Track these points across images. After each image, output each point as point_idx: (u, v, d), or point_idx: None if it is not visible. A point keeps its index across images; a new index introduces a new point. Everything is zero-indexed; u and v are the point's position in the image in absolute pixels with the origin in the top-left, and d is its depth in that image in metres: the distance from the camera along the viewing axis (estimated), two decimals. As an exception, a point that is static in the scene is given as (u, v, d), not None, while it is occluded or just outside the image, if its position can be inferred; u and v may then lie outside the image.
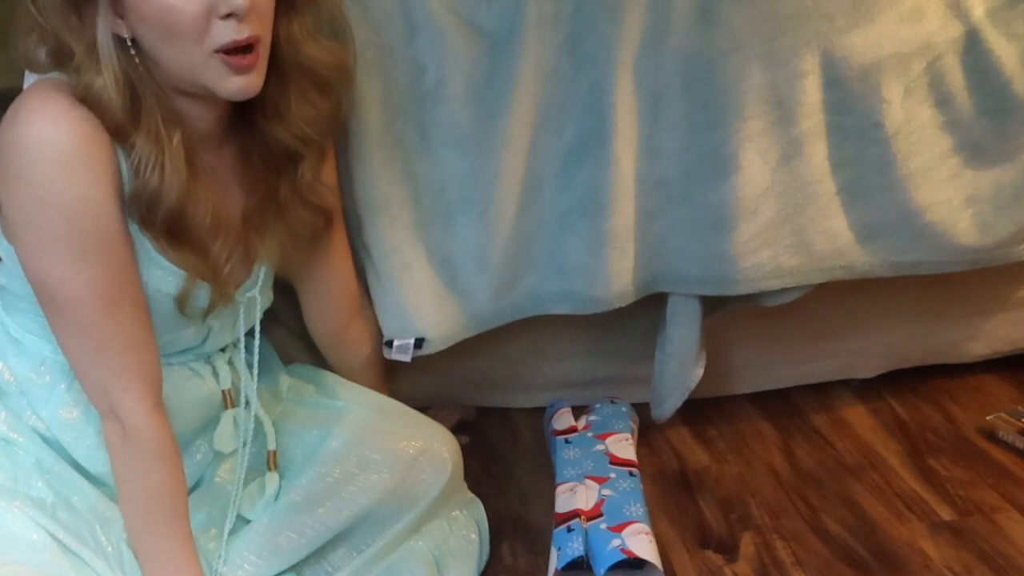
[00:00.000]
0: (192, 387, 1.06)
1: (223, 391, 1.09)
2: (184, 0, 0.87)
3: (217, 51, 0.90)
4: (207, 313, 1.01)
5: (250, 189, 1.06)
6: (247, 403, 1.11)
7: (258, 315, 1.11)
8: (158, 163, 0.91)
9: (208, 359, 1.09)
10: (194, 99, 0.95)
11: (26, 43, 0.93)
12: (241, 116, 1.03)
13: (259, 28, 0.92)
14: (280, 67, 1.00)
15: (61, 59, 0.92)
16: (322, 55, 1.02)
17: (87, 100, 0.89)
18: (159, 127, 0.91)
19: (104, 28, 0.89)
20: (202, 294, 1.00)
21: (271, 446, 1.13)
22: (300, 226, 1.10)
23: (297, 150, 1.04)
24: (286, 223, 1.08)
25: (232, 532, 1.08)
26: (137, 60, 0.91)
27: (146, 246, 0.95)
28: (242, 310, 1.09)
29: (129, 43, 0.90)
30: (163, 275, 0.97)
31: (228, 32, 0.89)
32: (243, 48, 0.91)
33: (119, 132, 0.90)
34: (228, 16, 0.88)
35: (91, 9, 0.89)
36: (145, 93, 0.91)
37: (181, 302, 0.98)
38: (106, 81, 0.89)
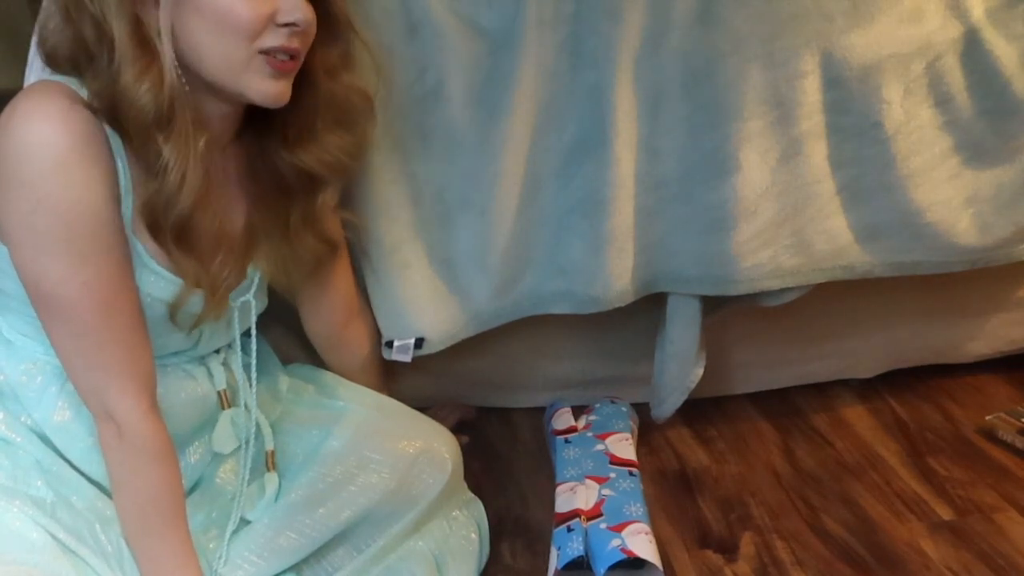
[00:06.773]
0: (185, 388, 1.06)
1: (219, 392, 1.09)
2: (248, 5, 0.89)
3: (263, 51, 0.92)
4: (197, 322, 1.00)
5: (254, 203, 1.06)
6: (245, 404, 1.11)
7: (253, 318, 1.10)
8: (181, 167, 0.89)
9: (202, 360, 1.09)
10: (218, 97, 0.95)
11: (56, 38, 0.91)
12: (251, 137, 1.03)
13: (305, 44, 0.96)
14: (313, 94, 1.01)
15: (80, 60, 0.90)
16: (355, 84, 1.06)
17: (113, 102, 0.87)
18: (188, 130, 0.90)
19: (165, 18, 0.88)
20: (195, 302, 0.99)
21: (269, 446, 1.13)
22: (305, 253, 1.10)
23: (321, 175, 1.06)
24: (291, 247, 1.08)
25: (233, 532, 1.08)
26: (175, 55, 0.90)
27: (138, 249, 0.94)
28: (236, 314, 1.08)
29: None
30: (155, 280, 0.96)
31: (280, 38, 0.92)
32: (287, 54, 0.93)
33: (143, 135, 0.88)
34: (286, 25, 0.91)
35: None
36: (180, 93, 0.89)
37: (174, 310, 0.97)
38: (152, 79, 0.87)
